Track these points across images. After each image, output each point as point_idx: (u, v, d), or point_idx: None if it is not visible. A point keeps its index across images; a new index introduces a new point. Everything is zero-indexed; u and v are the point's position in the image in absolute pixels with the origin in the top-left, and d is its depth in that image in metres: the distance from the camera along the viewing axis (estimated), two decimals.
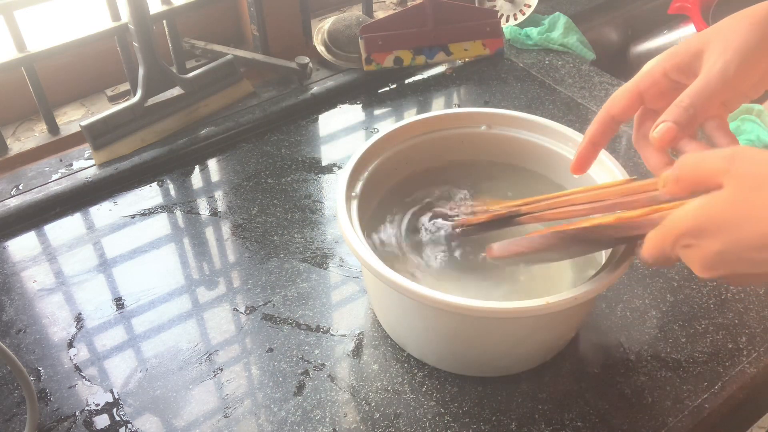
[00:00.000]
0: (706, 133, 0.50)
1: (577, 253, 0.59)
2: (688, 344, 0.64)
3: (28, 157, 0.86)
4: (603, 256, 0.64)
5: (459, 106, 0.96)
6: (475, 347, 0.60)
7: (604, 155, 0.63)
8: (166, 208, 0.80)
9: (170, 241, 0.76)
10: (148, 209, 0.80)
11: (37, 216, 0.79)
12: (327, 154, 0.88)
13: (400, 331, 0.64)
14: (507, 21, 1.09)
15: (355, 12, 1.07)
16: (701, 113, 0.47)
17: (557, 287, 0.63)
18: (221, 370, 0.63)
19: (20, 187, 0.81)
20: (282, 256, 0.74)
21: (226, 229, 0.78)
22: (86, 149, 0.86)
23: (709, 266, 0.41)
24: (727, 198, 0.38)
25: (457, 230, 0.63)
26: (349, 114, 0.95)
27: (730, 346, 0.64)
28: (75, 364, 0.64)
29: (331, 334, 0.66)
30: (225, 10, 1.01)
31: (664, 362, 0.63)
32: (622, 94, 0.52)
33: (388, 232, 0.66)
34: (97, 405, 0.61)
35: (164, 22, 0.90)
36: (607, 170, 0.62)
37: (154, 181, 0.84)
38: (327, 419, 0.59)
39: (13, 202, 0.79)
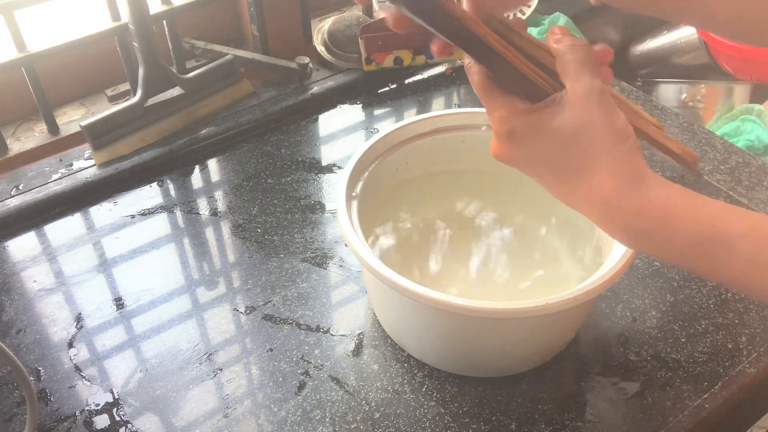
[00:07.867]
0: None
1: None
2: (688, 344, 0.64)
3: (28, 157, 0.86)
4: (603, 256, 0.64)
5: (459, 106, 0.96)
6: (475, 347, 0.60)
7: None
8: (166, 208, 0.80)
9: (170, 241, 0.76)
10: (148, 209, 0.80)
11: (37, 216, 0.79)
12: (327, 154, 0.88)
13: (400, 331, 0.64)
14: None
15: (355, 12, 1.07)
16: None
17: (558, 288, 0.63)
18: (221, 370, 0.63)
19: (20, 187, 0.81)
20: (282, 256, 0.74)
21: (226, 229, 0.78)
22: (86, 149, 0.86)
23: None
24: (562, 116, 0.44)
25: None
26: (349, 114, 0.95)
27: (730, 346, 0.64)
28: (75, 364, 0.64)
29: (331, 334, 0.66)
30: (225, 10, 1.01)
31: (664, 362, 0.63)
32: None
33: None
34: (97, 405, 0.61)
35: (164, 22, 0.90)
36: None
37: (154, 181, 0.84)
38: (327, 419, 0.59)
39: (13, 202, 0.79)
